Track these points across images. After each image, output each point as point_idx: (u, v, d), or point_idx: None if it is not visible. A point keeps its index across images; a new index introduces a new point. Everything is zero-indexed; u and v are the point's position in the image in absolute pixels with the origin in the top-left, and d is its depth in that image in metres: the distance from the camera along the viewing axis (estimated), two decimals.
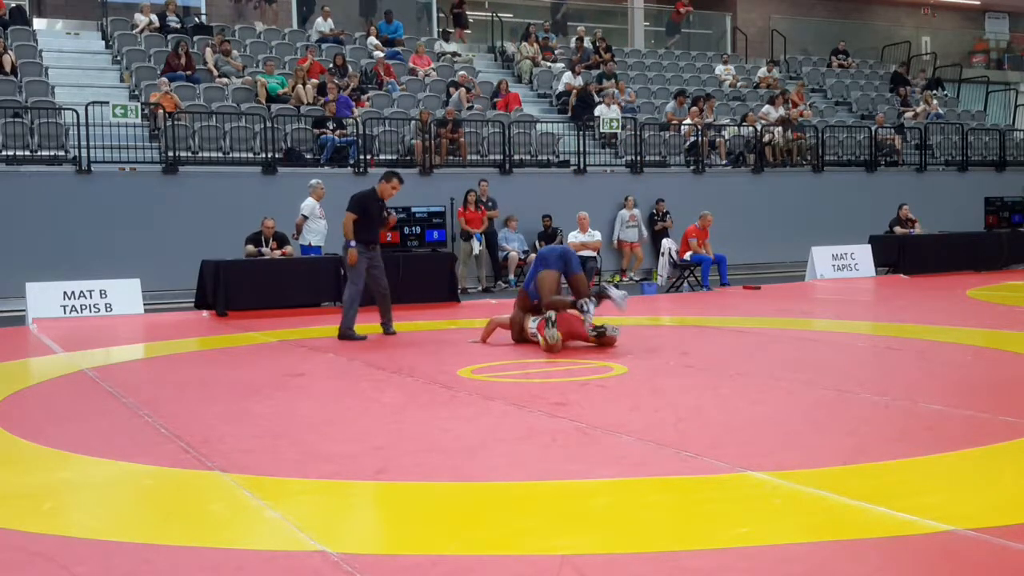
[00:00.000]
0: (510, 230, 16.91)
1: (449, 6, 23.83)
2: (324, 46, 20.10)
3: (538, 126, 18.99)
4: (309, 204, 13.82)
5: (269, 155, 16.25)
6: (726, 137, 20.44)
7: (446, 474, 4.93)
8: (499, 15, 24.03)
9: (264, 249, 13.39)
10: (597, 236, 15.52)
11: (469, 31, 23.88)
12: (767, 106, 21.59)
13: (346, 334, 10.07)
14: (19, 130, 15.11)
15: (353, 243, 10.00)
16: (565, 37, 24.16)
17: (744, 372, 7.82)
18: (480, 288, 16.46)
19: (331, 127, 16.93)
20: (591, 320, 9.05)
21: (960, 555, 3.68)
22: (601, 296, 9.51)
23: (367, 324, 10.44)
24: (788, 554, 3.74)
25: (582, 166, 18.55)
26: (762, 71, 24.49)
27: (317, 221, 13.88)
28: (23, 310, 12.56)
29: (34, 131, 15.31)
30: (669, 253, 16.05)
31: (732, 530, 3.98)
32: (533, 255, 16.82)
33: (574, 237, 15.35)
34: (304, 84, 17.86)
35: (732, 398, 6.79)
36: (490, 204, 16.71)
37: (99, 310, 12.69)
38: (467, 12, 23.72)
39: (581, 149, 18.56)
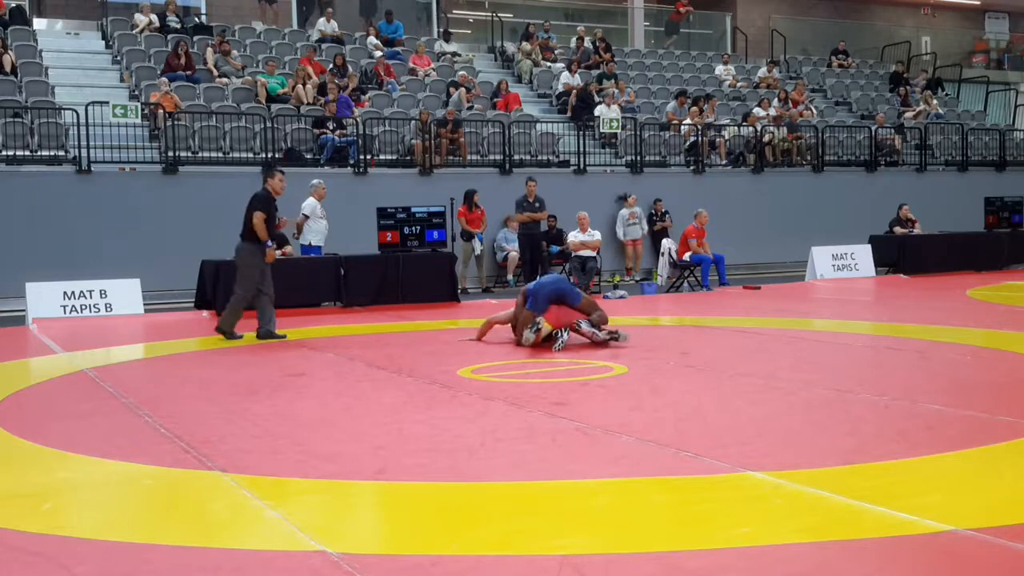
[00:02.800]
0: (510, 230, 16.86)
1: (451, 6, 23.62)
2: (324, 46, 20.09)
3: (538, 126, 18.98)
4: (310, 204, 13.83)
5: (269, 155, 16.24)
6: (726, 137, 20.43)
7: (446, 474, 4.92)
8: (499, 15, 24.02)
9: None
10: (597, 236, 15.52)
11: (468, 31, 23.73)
12: (756, 108, 21.58)
13: (231, 334, 10.16)
14: (19, 130, 15.10)
15: (271, 243, 9.96)
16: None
17: (744, 372, 7.82)
18: (480, 288, 16.45)
19: (331, 127, 16.92)
20: (597, 334, 9.18)
21: (960, 555, 3.68)
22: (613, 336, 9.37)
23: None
24: (788, 554, 3.74)
25: (582, 166, 18.54)
26: (762, 71, 24.48)
27: (318, 221, 13.89)
28: (23, 310, 12.56)
29: (34, 131, 15.30)
30: (669, 253, 16.05)
31: (732, 530, 3.98)
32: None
33: (574, 237, 15.36)
34: (304, 84, 17.85)
35: (732, 398, 6.79)
36: (537, 205, 16.53)
37: (99, 310, 12.69)
38: (466, 12, 23.60)
39: (581, 149, 18.55)
